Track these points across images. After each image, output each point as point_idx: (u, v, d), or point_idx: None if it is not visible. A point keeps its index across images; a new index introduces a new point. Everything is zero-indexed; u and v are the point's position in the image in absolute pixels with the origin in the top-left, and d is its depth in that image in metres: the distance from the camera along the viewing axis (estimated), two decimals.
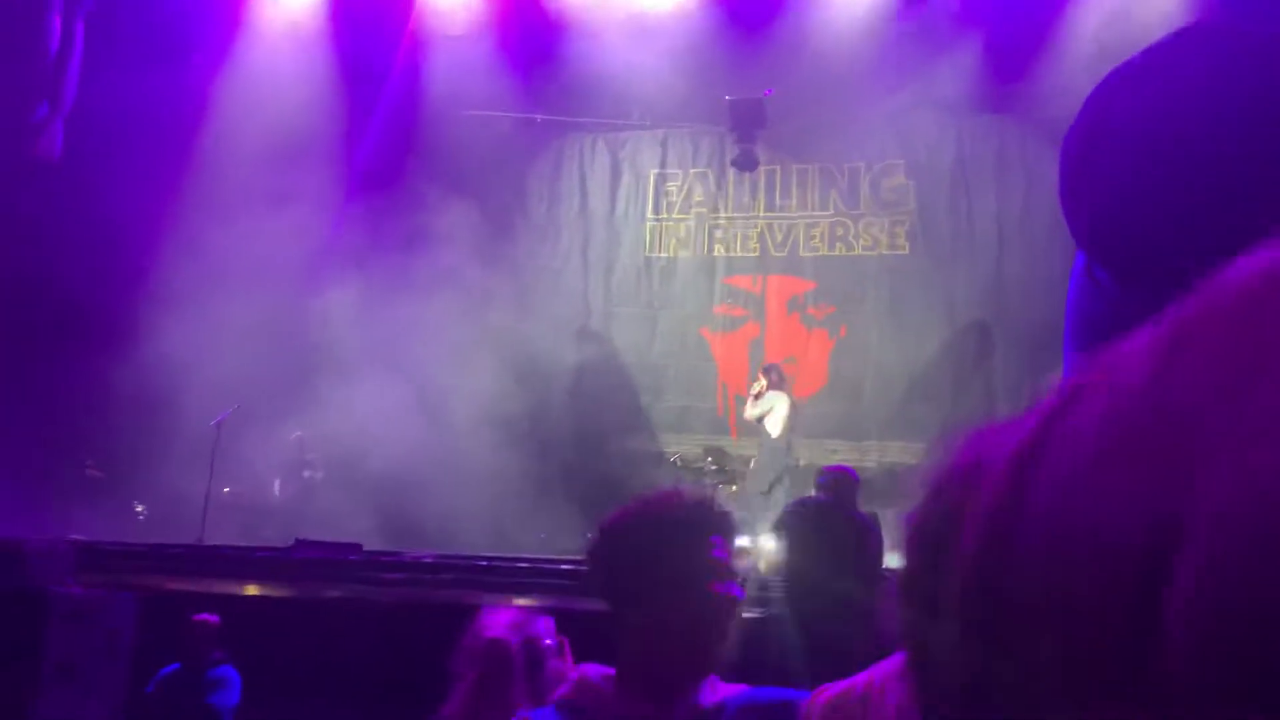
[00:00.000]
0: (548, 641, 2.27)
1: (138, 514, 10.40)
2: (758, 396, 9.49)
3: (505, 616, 2.32)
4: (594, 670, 1.68)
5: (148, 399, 10.10)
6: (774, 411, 9.29)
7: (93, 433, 10.44)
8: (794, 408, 9.42)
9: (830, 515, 5.93)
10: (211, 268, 10.59)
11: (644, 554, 1.63)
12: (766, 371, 9.63)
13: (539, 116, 11.92)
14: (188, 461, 9.84)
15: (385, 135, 11.54)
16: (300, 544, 7.89)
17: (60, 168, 10.32)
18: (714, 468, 10.32)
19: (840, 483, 6.07)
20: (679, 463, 10.78)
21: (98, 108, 10.34)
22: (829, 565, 5.74)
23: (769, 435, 9.32)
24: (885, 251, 11.53)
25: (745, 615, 1.67)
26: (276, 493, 10.43)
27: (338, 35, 11.36)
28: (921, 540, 0.41)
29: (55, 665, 5.15)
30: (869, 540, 5.96)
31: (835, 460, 10.78)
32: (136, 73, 10.49)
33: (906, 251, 11.45)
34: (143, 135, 10.58)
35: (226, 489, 10.19)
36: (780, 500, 8.81)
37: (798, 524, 5.96)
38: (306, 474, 10.37)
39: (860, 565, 5.89)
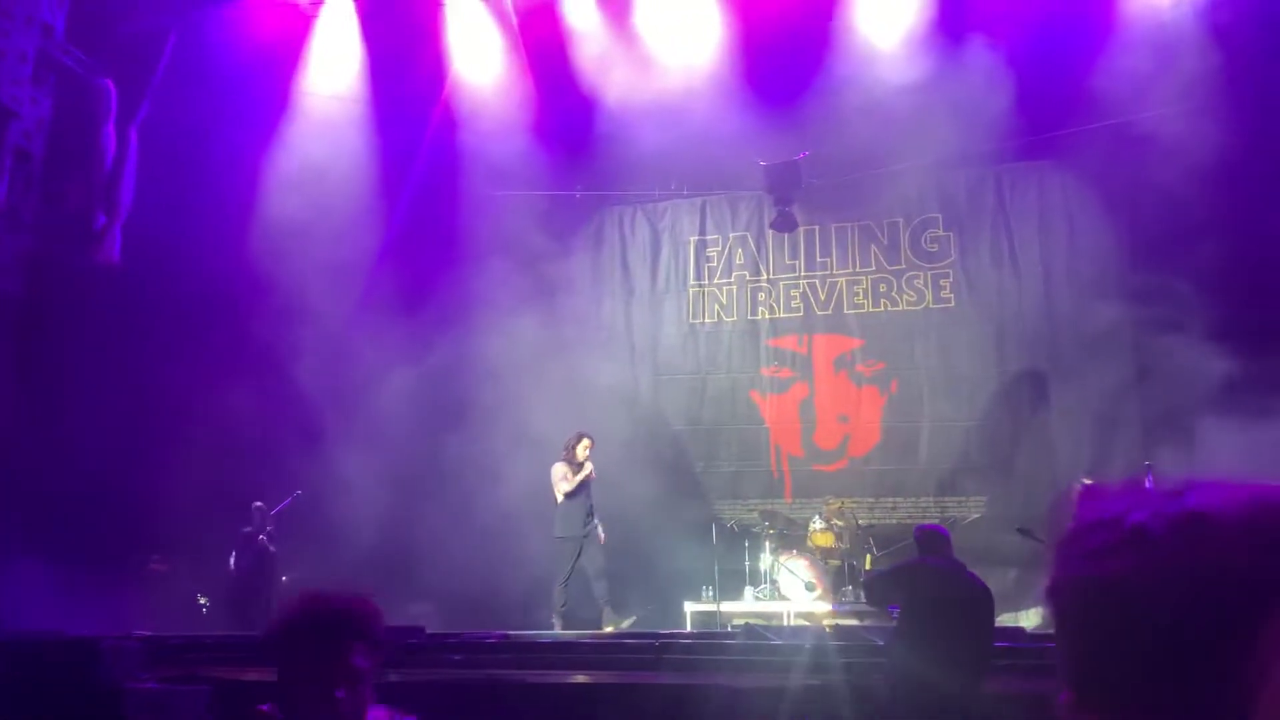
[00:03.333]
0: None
1: (201, 606, 10.50)
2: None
3: None
4: None
5: (208, 489, 10.26)
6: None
7: (155, 526, 10.58)
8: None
9: (952, 578, 5.83)
10: (261, 350, 10.82)
11: (285, 653, 1.92)
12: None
13: (577, 192, 12.12)
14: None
15: (424, 215, 11.77)
16: None
17: (121, 270, 10.64)
18: (771, 531, 10.21)
19: (936, 541, 6.00)
20: (735, 528, 10.69)
21: (154, 211, 10.69)
22: (954, 634, 5.61)
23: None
24: (931, 305, 11.48)
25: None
26: (231, 565, 10.30)
27: (378, 119, 11.67)
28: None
29: None
30: (988, 602, 5.85)
31: (895, 518, 10.65)
32: (189, 171, 10.89)
33: (952, 304, 11.39)
34: (195, 230, 10.94)
35: (284, 577, 10.27)
36: None
37: (917, 587, 5.87)
38: (261, 539, 10.20)
39: (981, 632, 5.77)
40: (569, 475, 9.39)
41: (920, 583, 5.92)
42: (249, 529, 10.31)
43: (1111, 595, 0.76)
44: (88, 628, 7.24)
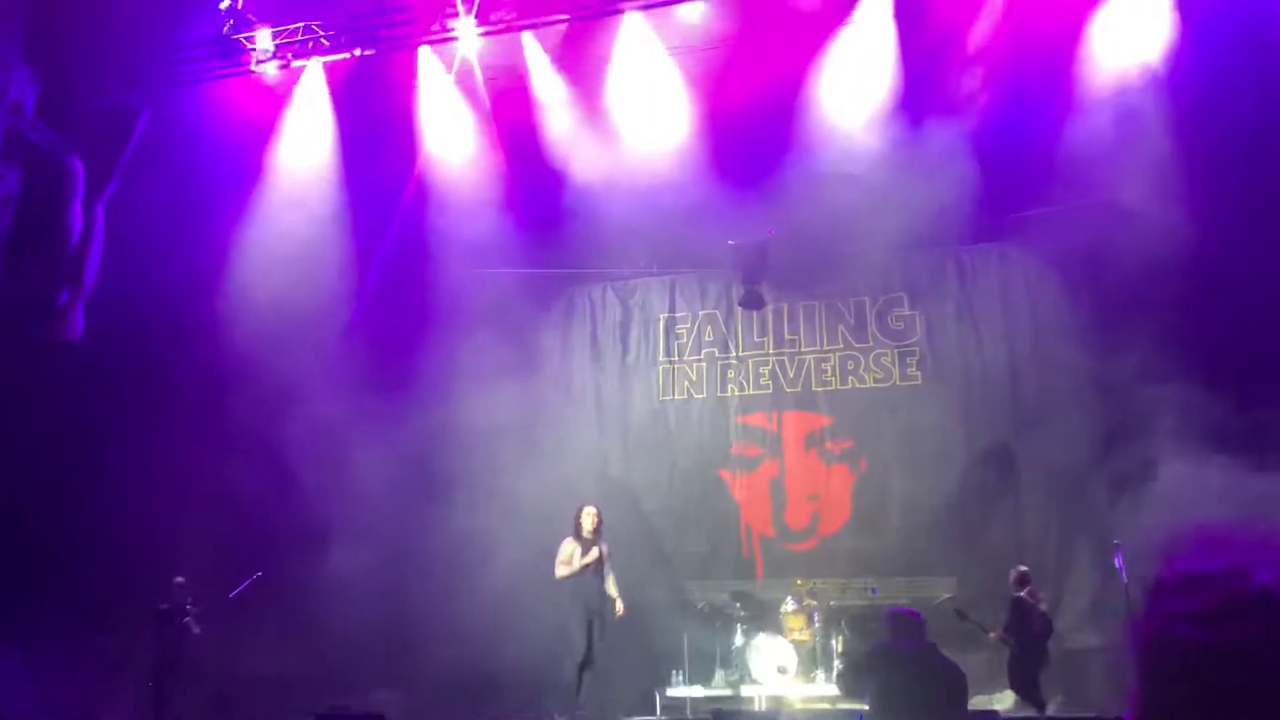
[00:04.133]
0: None
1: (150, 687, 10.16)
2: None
3: None
4: None
5: (172, 567, 10.04)
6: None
7: (115, 605, 10.31)
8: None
9: (925, 662, 5.78)
10: (229, 428, 10.71)
11: None
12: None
13: (548, 271, 12.17)
14: (205, 640, 9.70)
15: (396, 292, 11.76)
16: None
17: (82, 345, 10.53)
18: (742, 613, 10.09)
19: (908, 625, 5.98)
20: (705, 609, 10.55)
21: (123, 289, 10.64)
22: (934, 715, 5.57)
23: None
24: (898, 383, 11.56)
25: None
26: (148, 642, 9.79)
27: (350, 197, 11.71)
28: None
29: None
30: (960, 686, 5.81)
31: (866, 599, 10.57)
32: (157, 248, 10.86)
33: (919, 382, 11.48)
34: (166, 307, 10.89)
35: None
36: None
37: (889, 672, 5.81)
38: (185, 620, 9.73)
39: (953, 716, 5.72)
40: (574, 556, 9.12)
41: (892, 667, 5.88)
42: (165, 606, 9.81)
43: (1235, 660, 0.71)
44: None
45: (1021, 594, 8.99)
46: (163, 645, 9.74)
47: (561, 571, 9.10)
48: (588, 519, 9.31)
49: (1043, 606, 9.05)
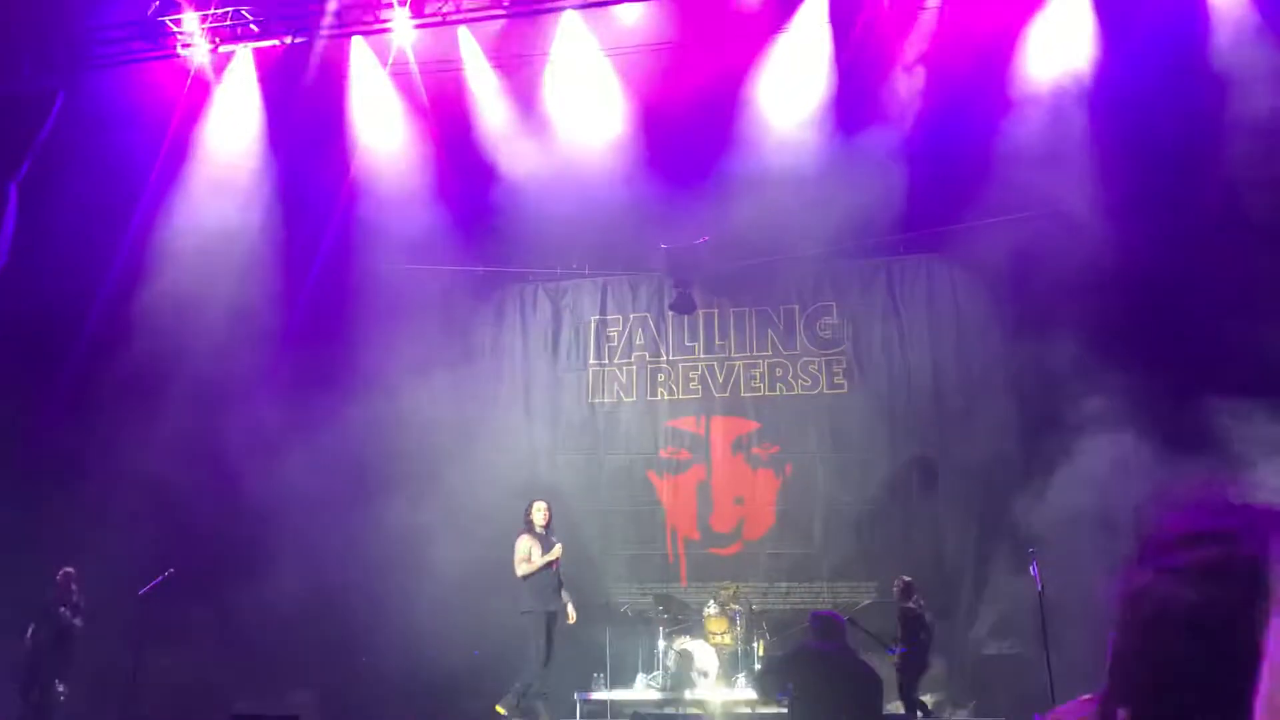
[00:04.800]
0: None
1: (59, 694, 9.79)
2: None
3: None
4: None
5: (92, 561, 9.70)
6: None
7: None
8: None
9: (842, 663, 5.85)
10: (149, 421, 10.41)
11: None
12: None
13: (479, 268, 12.05)
14: (113, 638, 9.37)
15: (323, 288, 11.53)
16: None
17: None
18: (665, 616, 10.08)
19: (831, 627, 6.11)
20: (629, 613, 10.53)
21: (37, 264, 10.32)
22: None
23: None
24: (825, 390, 11.67)
25: None
26: (28, 637, 9.41)
27: (280, 187, 11.46)
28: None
29: None
30: (877, 688, 5.89)
31: (789, 604, 10.64)
32: (76, 231, 10.53)
33: (845, 389, 11.59)
34: (81, 287, 10.57)
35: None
36: None
37: (808, 673, 5.87)
38: (63, 610, 9.42)
39: (870, 717, 5.80)
40: (533, 554, 8.89)
41: (811, 669, 5.98)
42: (50, 598, 9.44)
43: (1213, 621, 0.70)
44: None
45: (909, 604, 9.08)
46: (39, 640, 9.35)
47: (523, 569, 8.87)
48: (539, 513, 9.17)
49: (927, 616, 9.14)
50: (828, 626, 6.19)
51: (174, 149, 11.35)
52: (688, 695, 9.31)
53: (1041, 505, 9.26)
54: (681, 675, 9.49)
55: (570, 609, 9.04)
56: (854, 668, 6.02)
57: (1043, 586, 7.98)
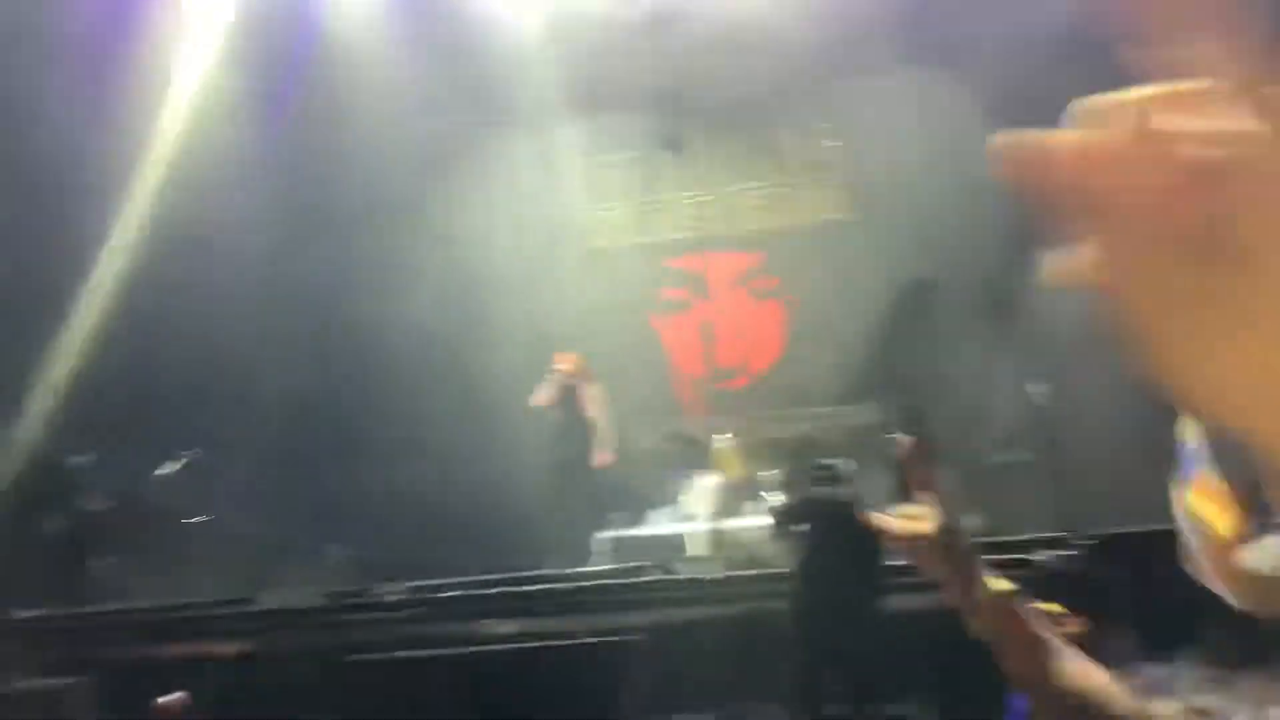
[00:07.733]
0: None
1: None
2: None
3: None
4: None
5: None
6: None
7: None
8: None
9: (850, 513, 5.82)
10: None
11: None
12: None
13: (462, 118, 11.59)
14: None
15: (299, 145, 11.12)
16: None
17: None
18: (675, 453, 10.13)
19: (836, 475, 6.07)
20: (638, 452, 10.59)
21: None
22: (856, 568, 5.67)
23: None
24: (827, 218, 11.41)
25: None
26: None
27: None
28: None
29: None
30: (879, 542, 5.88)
31: (797, 430, 10.68)
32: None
33: (846, 215, 11.34)
34: None
35: None
36: None
37: (810, 515, 5.89)
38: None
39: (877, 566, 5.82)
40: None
41: (818, 511, 5.99)
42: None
43: None
44: None
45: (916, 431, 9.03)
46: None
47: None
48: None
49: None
50: (830, 474, 6.15)
51: None
52: (700, 529, 9.40)
53: (1051, 313, 9.10)
54: (693, 511, 9.58)
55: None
56: (859, 520, 5.98)
57: (1050, 396, 7.93)
